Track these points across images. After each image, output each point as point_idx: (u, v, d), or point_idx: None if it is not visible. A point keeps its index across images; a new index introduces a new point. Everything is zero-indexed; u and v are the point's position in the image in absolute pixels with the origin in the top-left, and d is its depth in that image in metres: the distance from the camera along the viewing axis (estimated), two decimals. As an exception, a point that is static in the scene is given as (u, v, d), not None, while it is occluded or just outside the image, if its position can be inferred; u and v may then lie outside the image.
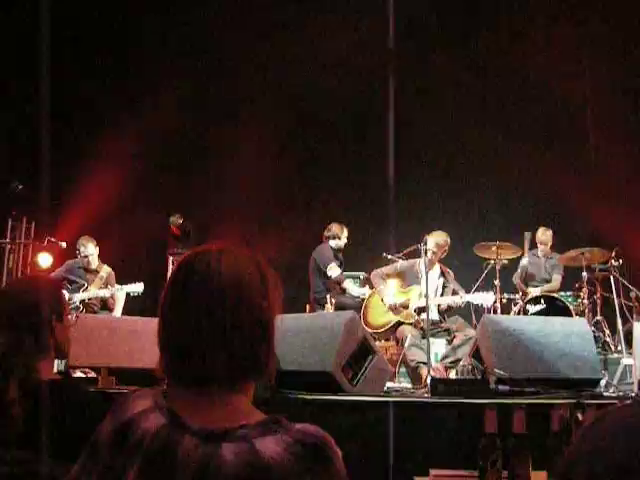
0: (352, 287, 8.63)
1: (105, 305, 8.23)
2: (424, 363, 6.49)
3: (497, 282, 8.36)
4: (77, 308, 7.94)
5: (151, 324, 5.76)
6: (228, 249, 1.62)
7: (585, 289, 8.32)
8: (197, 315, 1.53)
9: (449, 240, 7.59)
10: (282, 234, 9.99)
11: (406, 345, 6.99)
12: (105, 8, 10.30)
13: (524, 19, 10.26)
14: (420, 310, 7.29)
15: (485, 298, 7.26)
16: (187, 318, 1.53)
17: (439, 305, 7.44)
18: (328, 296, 8.22)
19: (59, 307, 2.60)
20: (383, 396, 4.84)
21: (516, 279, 9.15)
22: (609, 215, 9.37)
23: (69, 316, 2.75)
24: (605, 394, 5.05)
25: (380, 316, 7.65)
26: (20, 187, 9.21)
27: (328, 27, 10.35)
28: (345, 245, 8.91)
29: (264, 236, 9.69)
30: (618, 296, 8.08)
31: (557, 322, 5.49)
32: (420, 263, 7.34)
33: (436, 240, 7.43)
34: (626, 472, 0.93)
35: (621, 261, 8.19)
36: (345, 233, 8.84)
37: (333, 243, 8.79)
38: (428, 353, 6.20)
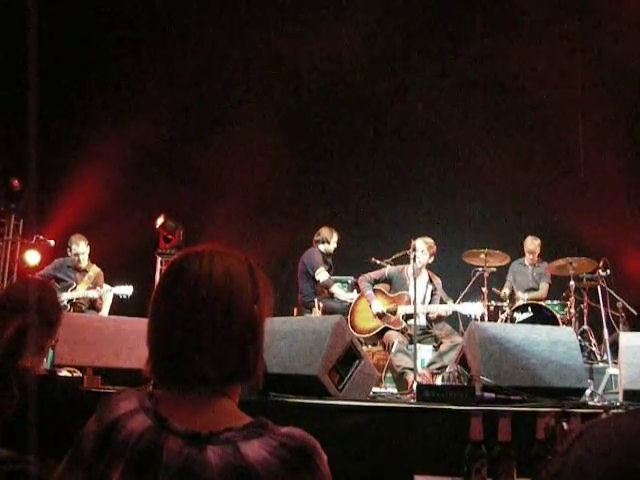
0: (340, 292, 8.63)
1: (92, 305, 8.19)
2: (410, 369, 6.50)
3: (485, 289, 8.38)
4: (65, 307, 7.91)
5: (138, 324, 5.79)
6: (220, 251, 1.62)
7: (572, 298, 8.34)
8: (187, 316, 1.53)
9: (435, 246, 7.64)
10: (271, 237, 9.99)
11: (393, 351, 6.99)
12: (103, 4, 10.32)
13: (517, 31, 10.30)
14: (408, 316, 7.30)
15: (473, 309, 7.28)
16: (177, 319, 1.53)
17: (427, 313, 7.46)
18: (316, 300, 8.22)
19: (57, 310, 2.64)
20: (369, 401, 4.84)
21: (508, 288, 9.17)
22: (597, 225, 9.42)
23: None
24: (590, 403, 5.06)
25: (367, 321, 7.65)
26: (18, 186, 9.21)
27: (322, 25, 10.38)
28: (334, 249, 8.92)
29: (253, 239, 9.69)
30: (605, 306, 8.10)
31: (544, 330, 5.48)
32: (408, 269, 7.34)
33: (425, 240, 7.49)
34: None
35: (608, 271, 8.22)
36: (335, 237, 8.84)
37: (322, 247, 8.79)
38: (415, 359, 6.21)
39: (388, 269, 7.76)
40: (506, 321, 8.32)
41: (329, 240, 8.81)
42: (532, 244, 9.22)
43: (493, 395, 4.57)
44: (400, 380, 6.88)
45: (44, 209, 9.88)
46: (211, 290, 1.54)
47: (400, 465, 3.70)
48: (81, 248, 8.28)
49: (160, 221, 10.05)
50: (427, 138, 10.76)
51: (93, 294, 8.12)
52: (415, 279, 6.73)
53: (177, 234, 10.24)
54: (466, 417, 2.51)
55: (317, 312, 8.00)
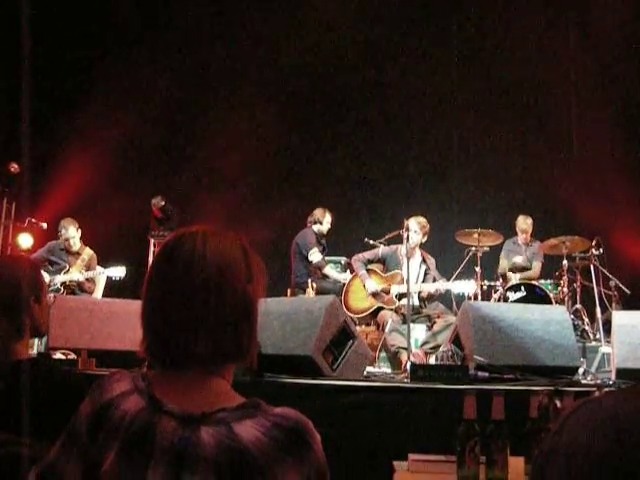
0: (333, 272, 8.65)
1: (81, 288, 8.16)
2: (404, 348, 6.51)
3: (478, 269, 8.38)
4: (58, 290, 7.91)
5: (132, 306, 5.79)
6: (213, 231, 1.62)
7: (565, 277, 8.36)
8: (181, 297, 1.53)
9: (428, 225, 7.64)
10: (265, 218, 9.98)
11: (387, 330, 7.01)
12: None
13: (511, 10, 10.27)
14: (401, 296, 7.32)
15: (466, 287, 7.29)
16: (170, 299, 1.53)
17: (420, 292, 7.47)
18: (309, 280, 8.23)
19: (37, 288, 2.55)
20: (363, 381, 4.85)
21: (502, 268, 9.19)
22: (590, 204, 9.43)
23: (48, 296, 2.71)
24: (583, 382, 5.09)
25: (361, 301, 7.66)
26: (17, 169, 9.17)
27: (317, 6, 10.35)
28: (328, 230, 8.93)
29: (247, 219, 9.67)
30: (598, 285, 8.13)
31: (537, 310, 5.50)
32: (402, 249, 7.35)
33: (417, 220, 7.48)
34: (605, 466, 0.94)
35: (601, 250, 8.25)
36: (328, 218, 8.85)
37: (316, 228, 8.80)
38: (408, 338, 6.22)
39: (381, 249, 7.76)
40: (499, 300, 8.34)
41: (322, 221, 8.82)
42: (524, 223, 9.21)
43: (486, 374, 4.58)
44: (394, 359, 6.90)
45: (37, 192, 9.84)
46: (205, 270, 1.54)
47: (394, 444, 3.72)
48: (70, 232, 8.26)
49: (153, 202, 10.00)
50: (420, 118, 10.74)
51: (86, 276, 8.12)
52: (408, 259, 6.73)
53: (170, 215, 10.20)
54: (460, 396, 2.51)
55: (311, 292, 8.01)
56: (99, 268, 8.29)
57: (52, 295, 6.47)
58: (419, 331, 7.25)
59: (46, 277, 7.83)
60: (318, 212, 8.87)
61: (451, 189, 10.52)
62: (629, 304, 8.00)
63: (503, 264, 9.21)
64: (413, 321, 6.89)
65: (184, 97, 10.88)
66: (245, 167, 10.54)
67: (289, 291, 8.65)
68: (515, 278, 8.78)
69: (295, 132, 10.94)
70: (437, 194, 10.44)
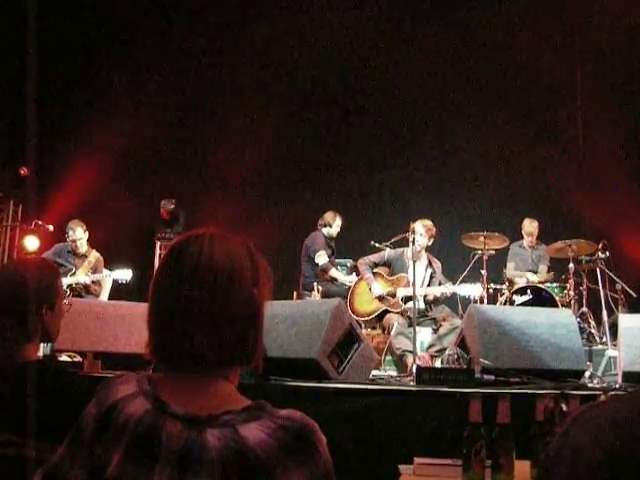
0: (339, 275, 8.65)
1: (87, 290, 8.17)
2: (410, 351, 6.51)
3: (484, 272, 8.37)
4: (64, 292, 7.90)
5: (137, 309, 5.78)
6: (220, 234, 1.62)
7: (571, 280, 8.34)
8: (187, 299, 1.52)
9: (434, 228, 7.62)
10: (271, 221, 9.99)
11: (392, 333, 7.01)
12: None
13: (515, 9, 10.27)
14: (407, 299, 7.31)
15: (472, 290, 7.28)
16: (177, 302, 1.53)
17: (426, 295, 7.46)
18: (315, 283, 8.23)
19: (51, 295, 2.52)
20: (368, 384, 4.85)
21: (510, 271, 9.17)
22: (596, 207, 9.41)
23: (65, 300, 2.68)
24: (589, 385, 5.08)
25: (367, 304, 7.66)
26: (26, 173, 9.19)
27: (317, 5, 10.37)
28: (337, 233, 8.93)
29: (254, 223, 9.68)
30: (604, 288, 8.12)
31: (543, 313, 5.51)
32: (408, 252, 7.34)
33: (423, 223, 7.47)
34: (608, 470, 0.94)
35: (607, 253, 8.23)
36: (338, 222, 8.86)
37: (325, 231, 8.82)
38: (414, 342, 6.22)
39: (387, 252, 7.76)
40: (505, 304, 8.32)
41: (332, 224, 8.83)
42: (530, 226, 9.20)
43: (492, 377, 4.58)
44: (400, 363, 6.90)
45: (43, 194, 9.85)
46: (211, 273, 1.54)
47: (400, 447, 3.71)
48: (78, 234, 8.27)
49: (163, 204, 10.02)
50: (426, 121, 10.74)
51: (93, 278, 8.12)
52: (414, 262, 6.72)
53: (178, 218, 10.22)
54: (465, 399, 2.51)
55: (316, 295, 8.02)
56: (105, 271, 8.30)
57: (67, 302, 6.45)
58: (425, 334, 7.25)
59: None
60: (328, 215, 8.89)
61: (457, 192, 10.50)
62: (635, 307, 7.99)
63: (510, 267, 9.19)
64: (419, 324, 6.89)
65: (191, 100, 10.90)
66: (252, 170, 10.55)
67: (295, 294, 8.66)
68: (521, 281, 8.77)
69: (302, 135, 10.94)
70: (443, 197, 10.43)
